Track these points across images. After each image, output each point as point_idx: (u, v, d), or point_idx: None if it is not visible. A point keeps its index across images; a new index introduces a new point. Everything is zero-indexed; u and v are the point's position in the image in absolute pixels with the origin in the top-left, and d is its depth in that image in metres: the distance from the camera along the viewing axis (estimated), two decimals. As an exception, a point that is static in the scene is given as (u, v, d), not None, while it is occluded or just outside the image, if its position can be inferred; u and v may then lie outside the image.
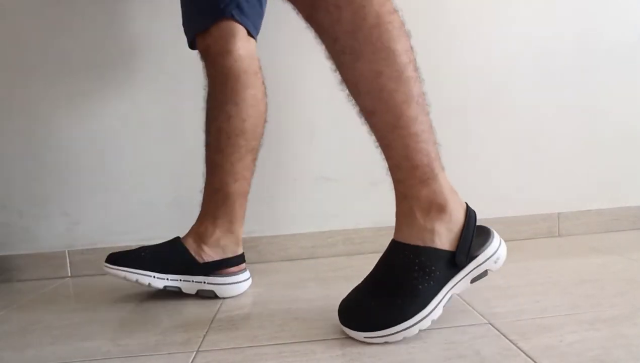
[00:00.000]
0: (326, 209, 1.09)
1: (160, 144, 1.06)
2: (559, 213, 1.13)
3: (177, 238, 0.83)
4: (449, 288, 0.58)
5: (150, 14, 1.03)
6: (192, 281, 0.80)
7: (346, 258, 1.05)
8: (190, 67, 1.05)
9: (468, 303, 0.68)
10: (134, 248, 0.83)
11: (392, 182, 0.61)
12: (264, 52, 1.06)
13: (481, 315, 0.63)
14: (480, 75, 1.10)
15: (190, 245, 0.81)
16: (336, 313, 0.64)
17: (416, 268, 0.56)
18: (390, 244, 0.61)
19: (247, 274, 0.84)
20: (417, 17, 1.08)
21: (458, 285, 0.59)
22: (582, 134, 1.13)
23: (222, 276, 0.80)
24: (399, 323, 0.55)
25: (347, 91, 0.61)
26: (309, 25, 0.60)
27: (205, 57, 0.82)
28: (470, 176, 1.11)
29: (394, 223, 1.09)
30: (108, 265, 0.79)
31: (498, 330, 0.58)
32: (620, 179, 1.14)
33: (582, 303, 0.65)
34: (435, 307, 0.57)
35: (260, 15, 0.87)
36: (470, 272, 0.59)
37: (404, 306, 0.55)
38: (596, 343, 0.52)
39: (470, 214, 0.60)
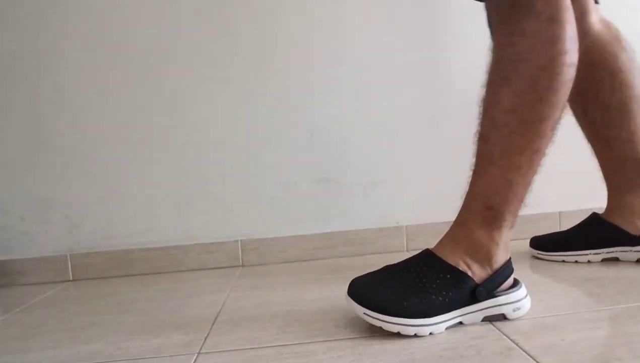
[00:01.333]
0: (326, 210, 1.09)
1: (161, 146, 1.06)
2: (560, 212, 1.13)
3: (593, 215, 0.86)
4: (458, 314, 0.58)
5: (151, 14, 1.04)
6: (632, 250, 0.82)
7: (347, 259, 1.05)
8: (191, 69, 1.05)
9: (469, 303, 0.68)
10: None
11: (460, 207, 0.62)
12: (264, 52, 1.06)
13: (482, 315, 0.63)
14: (481, 74, 1.09)
15: (619, 220, 0.82)
16: (337, 314, 0.64)
17: (438, 281, 0.57)
18: (425, 251, 0.62)
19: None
20: (420, 14, 1.08)
21: (469, 316, 0.59)
22: (582, 133, 1.12)
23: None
24: (398, 316, 0.56)
25: (479, 108, 0.61)
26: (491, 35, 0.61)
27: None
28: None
29: (394, 224, 1.10)
30: (542, 253, 0.89)
31: (499, 330, 0.57)
32: (621, 177, 1.14)
33: (584, 302, 0.65)
34: (438, 322, 0.57)
35: None
36: (486, 308, 0.59)
37: (411, 304, 0.57)
38: (598, 342, 0.52)
39: (509, 266, 0.61)
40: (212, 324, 0.68)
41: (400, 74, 1.09)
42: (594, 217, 0.87)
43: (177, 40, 1.05)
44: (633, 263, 0.82)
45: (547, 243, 0.90)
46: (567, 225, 1.12)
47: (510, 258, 0.61)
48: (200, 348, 0.59)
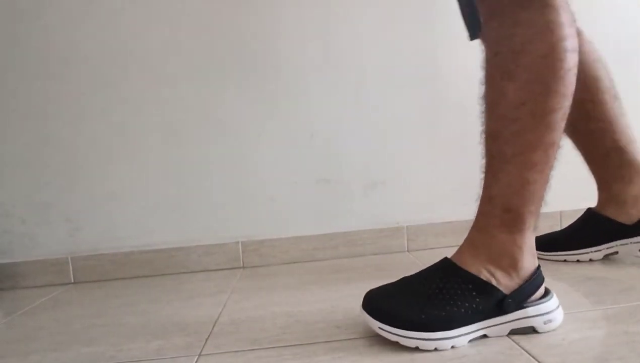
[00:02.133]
0: (327, 211, 1.09)
1: (162, 148, 1.06)
2: (561, 212, 1.12)
3: (590, 209, 0.86)
4: (483, 326, 0.54)
5: (152, 16, 1.04)
6: (630, 243, 0.81)
7: (348, 260, 1.05)
8: (191, 70, 1.05)
9: (470, 303, 0.67)
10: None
11: (475, 212, 0.59)
12: (264, 53, 1.07)
13: (483, 315, 0.62)
14: (480, 75, 1.09)
15: (610, 211, 0.82)
16: (338, 315, 0.64)
17: (459, 292, 0.54)
18: (443, 261, 0.58)
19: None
20: (420, 14, 1.08)
21: (494, 328, 0.55)
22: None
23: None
24: (417, 330, 0.53)
25: (481, 106, 0.58)
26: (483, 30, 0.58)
27: None
28: (472, 175, 1.11)
29: (394, 224, 1.10)
30: (542, 253, 0.87)
31: (500, 330, 0.57)
32: (622, 176, 1.14)
33: (585, 302, 0.65)
34: (461, 335, 0.53)
35: None
36: (514, 321, 0.55)
37: (429, 317, 0.53)
38: (599, 341, 0.52)
39: (539, 275, 0.56)
40: (213, 326, 0.68)
41: (400, 75, 1.09)
42: (589, 213, 0.87)
43: (176, 41, 1.05)
44: (634, 262, 0.82)
45: (547, 244, 0.90)
46: (568, 224, 1.12)
47: (539, 265, 0.57)
48: (202, 350, 0.59)
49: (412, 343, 0.53)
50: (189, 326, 0.69)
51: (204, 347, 0.60)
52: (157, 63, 1.05)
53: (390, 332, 0.54)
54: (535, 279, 0.56)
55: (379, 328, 0.55)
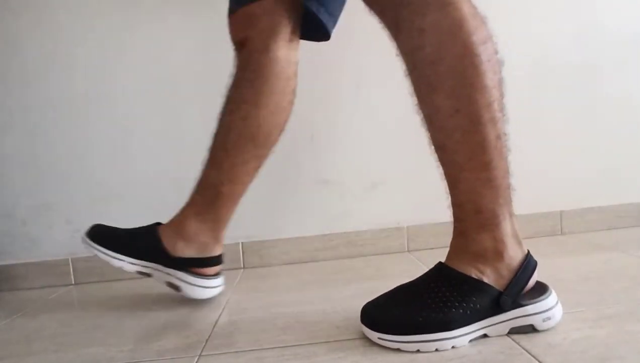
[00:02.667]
0: (327, 212, 1.09)
1: (162, 150, 1.06)
2: (561, 212, 1.12)
3: (156, 225, 0.79)
4: (483, 325, 0.54)
5: (150, 18, 1.04)
6: (163, 272, 0.77)
7: (348, 260, 1.05)
8: (192, 74, 1.05)
9: (470, 303, 0.67)
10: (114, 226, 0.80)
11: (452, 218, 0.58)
12: (263, 57, 1.07)
13: (484, 315, 0.62)
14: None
15: (167, 236, 0.77)
16: (338, 315, 0.64)
17: (455, 294, 0.54)
18: (437, 265, 0.58)
19: (219, 281, 0.80)
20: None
21: (494, 327, 0.55)
22: (583, 131, 1.12)
23: (194, 275, 0.77)
24: (417, 333, 0.53)
25: (421, 117, 0.57)
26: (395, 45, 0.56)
27: (240, 47, 0.76)
28: (471, 176, 1.11)
29: (394, 225, 1.10)
30: (87, 240, 0.77)
31: (501, 329, 0.57)
32: (622, 175, 1.14)
33: (586, 301, 0.65)
34: (461, 335, 0.53)
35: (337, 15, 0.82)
36: (513, 319, 0.55)
37: (428, 319, 0.53)
38: (600, 341, 0.52)
39: (529, 262, 0.56)
40: (214, 326, 0.68)
41: (400, 75, 1.08)
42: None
43: (176, 42, 1.05)
44: (635, 262, 0.82)
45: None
46: (568, 224, 1.12)
47: (528, 252, 0.57)
48: (202, 351, 0.59)
49: (412, 348, 0.53)
50: (189, 327, 0.69)
51: (204, 347, 0.60)
52: (156, 66, 1.05)
53: (389, 340, 0.54)
54: (525, 267, 0.56)
55: (379, 338, 0.55)
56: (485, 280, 0.54)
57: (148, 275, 0.78)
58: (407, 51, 0.55)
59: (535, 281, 0.58)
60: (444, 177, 0.58)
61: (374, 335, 0.55)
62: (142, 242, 0.77)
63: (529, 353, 0.50)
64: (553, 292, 0.57)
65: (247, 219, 1.08)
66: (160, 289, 0.93)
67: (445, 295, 0.54)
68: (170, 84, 1.05)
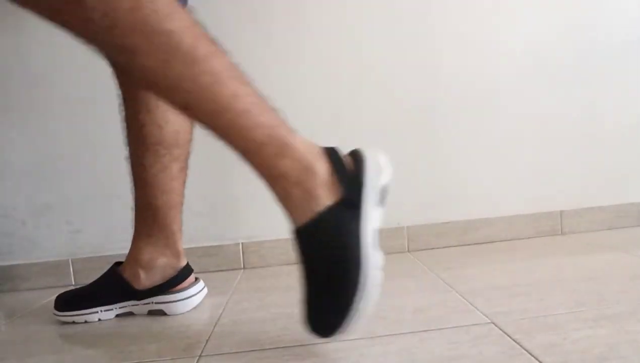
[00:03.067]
0: (327, 212, 1.08)
1: (161, 150, 1.06)
2: (561, 211, 1.12)
3: (114, 266, 0.79)
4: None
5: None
6: (140, 304, 0.77)
7: (349, 260, 1.05)
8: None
9: (471, 303, 0.67)
10: (77, 287, 0.80)
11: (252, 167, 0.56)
12: (263, 54, 1.07)
13: (484, 315, 0.62)
14: (481, 73, 1.10)
15: (128, 272, 0.76)
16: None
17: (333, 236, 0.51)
18: (295, 237, 0.55)
19: (198, 287, 0.79)
20: (421, 15, 1.08)
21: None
22: (583, 131, 1.13)
23: (171, 293, 0.77)
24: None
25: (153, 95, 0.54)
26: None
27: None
28: (473, 175, 1.11)
29: (394, 225, 1.10)
30: (57, 313, 0.77)
31: (501, 330, 0.57)
32: (622, 175, 1.14)
33: (586, 301, 0.65)
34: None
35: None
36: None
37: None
38: (600, 341, 0.52)
39: (331, 153, 0.55)
40: (214, 327, 0.68)
41: (399, 74, 1.09)
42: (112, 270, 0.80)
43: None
44: (635, 262, 0.82)
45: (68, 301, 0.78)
46: (568, 224, 1.12)
47: (322, 148, 0.55)
48: (202, 351, 0.59)
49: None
50: (189, 327, 0.69)
51: (204, 348, 0.60)
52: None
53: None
54: (334, 161, 0.54)
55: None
56: (325, 202, 0.52)
57: (129, 313, 0.78)
58: (78, 28, 0.48)
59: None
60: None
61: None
62: (108, 288, 0.77)
63: (530, 354, 0.50)
64: (361, 151, 0.56)
65: (247, 219, 1.08)
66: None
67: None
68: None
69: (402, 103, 1.09)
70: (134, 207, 0.78)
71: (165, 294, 0.77)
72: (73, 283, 1.05)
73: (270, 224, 1.08)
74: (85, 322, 0.76)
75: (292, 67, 1.07)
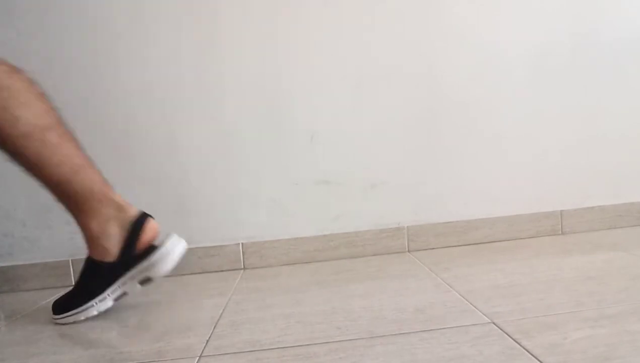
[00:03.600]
0: (327, 212, 1.09)
1: (161, 150, 1.06)
2: (561, 211, 1.12)
3: (87, 258, 0.79)
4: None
5: (149, 20, 1.04)
6: (127, 278, 0.77)
7: (348, 261, 1.05)
8: (190, 71, 1.05)
9: (471, 303, 0.67)
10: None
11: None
12: (263, 54, 1.07)
13: (484, 315, 0.62)
14: (480, 74, 1.10)
15: (95, 253, 0.77)
16: (338, 316, 0.64)
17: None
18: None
19: (172, 242, 0.78)
20: (420, 15, 1.08)
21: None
22: (583, 131, 1.13)
23: (148, 254, 0.76)
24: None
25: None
26: None
27: None
28: (472, 175, 1.11)
29: (394, 225, 1.10)
30: (55, 317, 0.77)
31: (501, 329, 0.57)
32: (622, 175, 1.14)
33: (587, 300, 0.65)
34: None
35: None
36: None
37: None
38: (601, 340, 0.52)
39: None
40: (214, 327, 0.68)
41: (399, 75, 1.09)
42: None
43: (175, 43, 1.05)
44: (636, 261, 0.82)
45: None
46: (568, 224, 1.12)
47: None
48: (202, 352, 0.59)
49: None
50: (189, 328, 0.69)
51: (204, 348, 0.60)
52: (154, 67, 1.05)
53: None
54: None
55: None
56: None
57: (123, 294, 0.78)
58: None
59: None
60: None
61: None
62: (90, 278, 0.78)
63: (530, 353, 0.50)
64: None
65: (247, 220, 1.08)
66: (160, 290, 0.93)
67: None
68: (168, 83, 1.05)
69: (402, 103, 1.09)
70: (53, 197, 0.77)
71: (144, 259, 0.77)
72: (73, 283, 1.05)
73: (271, 224, 1.08)
74: (85, 318, 0.76)
75: (291, 67, 1.07)
